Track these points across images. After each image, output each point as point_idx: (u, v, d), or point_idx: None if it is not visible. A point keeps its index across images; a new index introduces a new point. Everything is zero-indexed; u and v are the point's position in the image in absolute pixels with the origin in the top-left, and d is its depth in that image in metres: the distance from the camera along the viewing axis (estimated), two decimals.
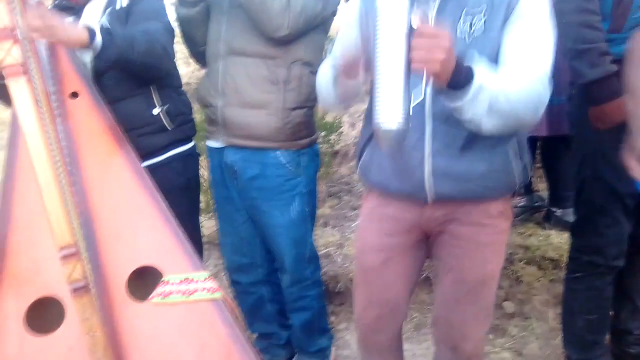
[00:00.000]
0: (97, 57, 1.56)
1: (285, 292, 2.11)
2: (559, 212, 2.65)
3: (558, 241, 2.57)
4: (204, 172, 3.21)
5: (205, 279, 1.44)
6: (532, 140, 2.59)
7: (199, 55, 2.00)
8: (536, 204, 2.83)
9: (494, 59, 1.26)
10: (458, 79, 1.12)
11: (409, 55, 1.06)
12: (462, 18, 1.28)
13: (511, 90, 1.18)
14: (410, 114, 1.10)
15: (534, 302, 2.51)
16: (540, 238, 2.62)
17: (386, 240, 1.51)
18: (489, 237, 1.44)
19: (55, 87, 1.49)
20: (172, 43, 1.83)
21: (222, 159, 1.95)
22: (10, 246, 1.41)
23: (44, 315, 1.43)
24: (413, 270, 1.56)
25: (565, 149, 2.53)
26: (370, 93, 1.21)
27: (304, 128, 1.89)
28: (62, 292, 1.37)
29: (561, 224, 2.63)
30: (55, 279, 1.37)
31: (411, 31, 1.06)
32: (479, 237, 1.43)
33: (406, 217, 1.47)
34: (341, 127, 3.76)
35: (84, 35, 1.49)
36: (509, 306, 2.51)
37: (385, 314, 1.58)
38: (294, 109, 1.84)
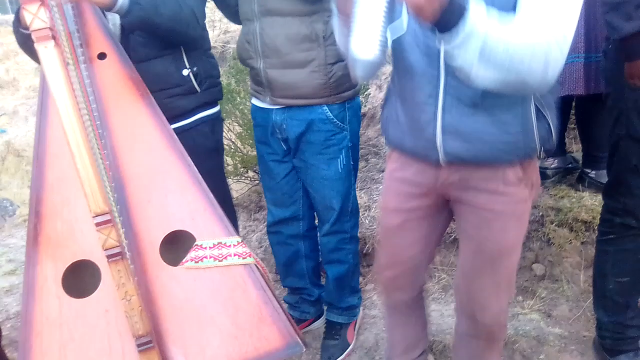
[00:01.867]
0: (122, 18, 1.53)
1: (322, 242, 2.14)
2: (592, 173, 2.58)
3: (591, 203, 2.51)
4: (231, 135, 3.21)
5: (238, 243, 1.45)
6: (567, 100, 2.51)
7: (234, 15, 1.97)
8: (569, 166, 2.76)
9: (508, 11, 1.15)
10: (448, 18, 1.02)
11: None
12: None
13: (514, 41, 1.06)
14: (388, 46, 1.06)
15: (565, 264, 2.48)
16: (573, 200, 2.56)
17: (404, 204, 1.50)
18: (507, 206, 1.37)
19: (82, 48, 1.47)
20: (203, 8, 1.80)
21: (268, 118, 1.96)
22: (46, 209, 1.42)
23: (79, 277, 1.45)
24: (432, 233, 1.55)
25: (600, 108, 2.44)
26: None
27: (346, 80, 1.88)
28: (97, 255, 1.39)
29: (595, 186, 2.56)
30: (90, 243, 1.39)
31: None
32: (495, 206, 1.37)
33: (422, 181, 1.43)
34: (368, 89, 3.70)
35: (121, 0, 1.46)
36: (539, 268, 2.49)
37: (404, 273, 1.60)
38: (335, 62, 1.82)
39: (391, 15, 1.03)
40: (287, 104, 1.88)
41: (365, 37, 1.04)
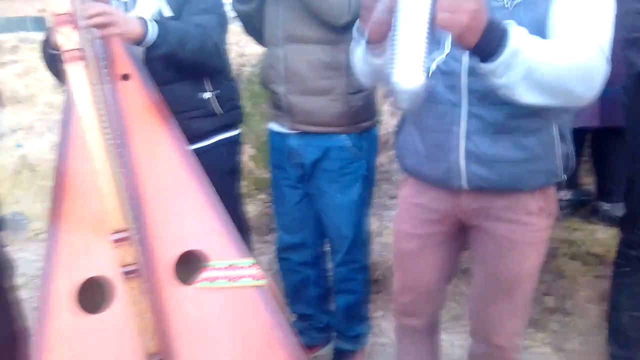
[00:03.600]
0: (149, 50, 1.58)
1: (335, 272, 2.14)
2: (606, 206, 2.58)
3: (604, 237, 2.50)
4: (244, 157, 3.23)
5: (251, 265, 1.46)
6: (581, 132, 2.52)
7: (262, 39, 2.00)
8: (582, 198, 2.76)
9: (539, 30, 1.16)
10: (489, 40, 1.01)
11: (433, 8, 0.98)
12: None
13: (560, 59, 1.07)
14: (430, 74, 1.02)
15: (577, 298, 2.45)
16: (586, 233, 2.55)
17: (420, 230, 1.49)
18: (527, 236, 1.36)
19: (107, 69, 1.51)
20: (225, 38, 1.84)
21: (285, 143, 1.97)
22: (64, 224, 1.44)
23: (93, 293, 1.46)
24: (447, 260, 1.55)
25: (616, 141, 2.45)
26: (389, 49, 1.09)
27: (366, 111, 1.91)
28: (112, 271, 1.40)
29: (608, 219, 2.55)
30: (106, 259, 1.40)
31: None
32: (516, 236, 1.36)
33: (440, 207, 1.43)
34: (382, 115, 3.72)
35: (140, 31, 1.51)
36: (551, 301, 2.46)
37: (418, 299, 1.59)
38: (356, 93, 1.84)
39: (432, 39, 1.00)
40: (306, 130, 1.90)
41: (409, 65, 0.99)
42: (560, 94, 1.10)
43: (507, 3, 1.19)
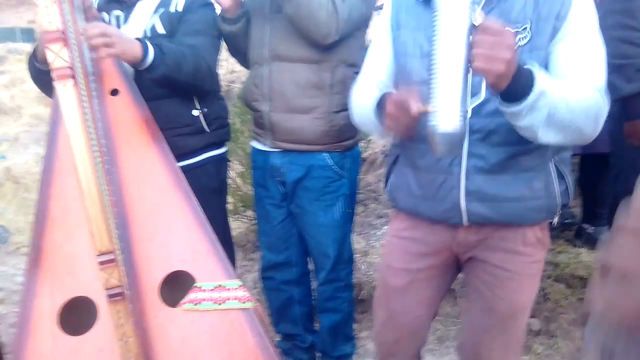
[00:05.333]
0: (145, 73, 1.58)
1: (318, 291, 2.12)
2: (591, 229, 2.60)
3: (588, 259, 2.52)
4: (232, 173, 3.22)
5: (237, 287, 1.44)
6: None
7: (245, 60, 2.01)
8: (567, 221, 2.78)
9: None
10: (518, 83, 1.05)
11: (469, 53, 1.00)
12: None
13: (573, 99, 1.12)
14: (469, 116, 1.05)
15: (561, 320, 2.46)
16: (570, 256, 2.57)
17: (413, 264, 1.45)
18: (523, 266, 1.36)
19: (96, 84, 1.50)
20: (217, 60, 1.85)
21: (267, 161, 1.97)
22: (47, 243, 1.42)
23: (75, 314, 1.44)
24: (438, 294, 1.52)
25: (603, 166, 2.49)
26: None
27: (348, 130, 1.90)
28: (95, 293, 1.38)
29: (592, 242, 2.58)
30: (89, 280, 1.39)
31: (472, 28, 1.01)
32: (512, 266, 1.35)
33: (436, 240, 1.41)
34: (369, 135, 3.75)
35: (138, 52, 1.52)
36: (535, 323, 2.46)
37: (403, 337, 1.53)
38: (339, 111, 1.85)
39: (468, 85, 1.04)
40: (288, 148, 1.89)
41: (447, 110, 1.01)
42: (573, 132, 1.15)
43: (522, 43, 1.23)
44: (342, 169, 1.93)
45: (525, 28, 1.21)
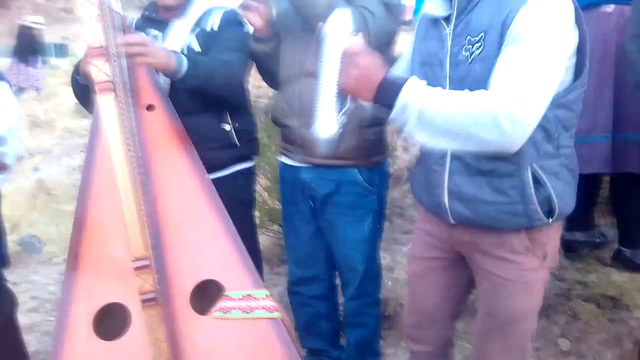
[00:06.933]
0: (177, 82, 1.64)
1: (346, 306, 2.13)
2: (628, 252, 2.55)
3: (619, 279, 2.47)
4: (259, 188, 3.26)
5: (265, 297, 1.47)
6: (593, 176, 2.53)
7: (273, 80, 2.05)
8: (597, 240, 2.74)
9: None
10: (384, 96, 1.20)
11: (339, 75, 1.22)
12: (465, 42, 1.30)
13: (457, 108, 1.16)
14: (338, 126, 1.26)
15: (591, 341, 2.41)
16: (601, 275, 2.52)
17: (426, 253, 1.56)
18: (514, 274, 1.39)
19: (133, 98, 1.56)
20: (247, 75, 1.91)
21: (296, 176, 1.99)
22: (84, 250, 1.47)
23: (108, 319, 1.48)
24: (452, 287, 1.57)
25: (632, 186, 2.45)
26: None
27: (378, 145, 1.94)
28: (129, 299, 1.42)
29: (631, 266, 2.52)
30: (123, 287, 1.42)
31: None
32: (501, 273, 1.40)
33: (439, 235, 1.50)
34: (395, 151, 3.76)
35: (173, 63, 1.58)
36: (565, 344, 2.42)
37: (423, 323, 1.62)
38: (369, 127, 1.86)
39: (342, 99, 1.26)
40: (318, 163, 1.91)
41: (325, 119, 1.26)
42: (466, 139, 1.18)
43: (468, 58, 1.29)
44: (372, 184, 1.94)
45: (481, 38, 1.26)
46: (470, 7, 1.30)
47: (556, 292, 2.51)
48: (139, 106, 1.56)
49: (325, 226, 2.02)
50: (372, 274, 2.06)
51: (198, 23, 1.84)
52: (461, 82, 1.28)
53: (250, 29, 1.90)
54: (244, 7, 1.81)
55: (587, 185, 2.29)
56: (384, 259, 2.86)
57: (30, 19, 8.38)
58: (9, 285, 1.79)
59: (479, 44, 1.27)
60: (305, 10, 1.76)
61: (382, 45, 1.86)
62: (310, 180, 1.96)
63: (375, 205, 1.98)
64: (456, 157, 1.34)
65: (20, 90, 7.48)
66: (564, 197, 1.35)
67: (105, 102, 1.33)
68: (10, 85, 1.81)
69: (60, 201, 4.74)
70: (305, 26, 1.84)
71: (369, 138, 1.88)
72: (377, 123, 1.88)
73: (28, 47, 7.86)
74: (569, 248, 2.62)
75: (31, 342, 2.73)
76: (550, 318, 2.43)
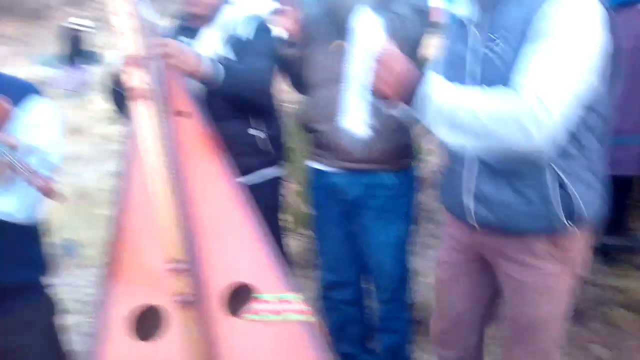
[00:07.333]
0: (215, 89, 1.70)
1: (379, 310, 2.14)
2: None
3: None
4: (288, 192, 3.28)
5: (298, 300, 1.49)
6: (625, 178, 2.48)
7: (297, 83, 2.08)
8: (632, 245, 2.68)
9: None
10: (412, 94, 1.20)
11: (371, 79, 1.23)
12: (488, 39, 1.30)
13: (479, 106, 1.15)
14: (370, 129, 1.27)
15: (626, 347, 2.37)
16: (636, 280, 2.48)
17: (454, 257, 1.57)
18: (534, 279, 1.38)
19: (167, 106, 1.61)
20: (275, 80, 1.95)
21: (327, 181, 2.02)
22: (124, 254, 1.52)
23: (147, 321, 1.52)
24: (479, 291, 1.58)
25: None
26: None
27: (408, 149, 1.95)
28: (167, 300, 1.46)
29: None
30: (161, 288, 1.46)
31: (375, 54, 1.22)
32: (523, 278, 1.39)
33: (462, 238, 1.51)
34: (424, 155, 3.74)
35: (210, 70, 1.64)
36: (601, 351, 2.38)
37: (451, 327, 1.62)
38: (400, 130, 1.88)
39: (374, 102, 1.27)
40: (350, 168, 1.94)
41: (359, 117, 1.27)
42: (487, 138, 1.15)
43: (489, 55, 1.29)
44: (402, 187, 1.96)
45: (503, 36, 1.27)
46: (494, 5, 1.31)
47: (589, 297, 2.47)
48: (172, 112, 1.61)
49: (357, 230, 2.03)
50: (404, 277, 2.08)
51: (229, 31, 1.89)
52: (482, 80, 1.29)
53: (283, 34, 1.94)
54: (278, 12, 1.85)
55: (619, 187, 2.25)
56: (415, 263, 2.86)
57: (77, 21, 8.37)
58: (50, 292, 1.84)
59: (501, 42, 1.27)
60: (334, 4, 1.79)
61: (411, 49, 1.87)
62: (341, 185, 1.98)
63: (406, 208, 2.00)
64: (478, 159, 1.35)
65: (69, 93, 7.53)
66: (587, 200, 1.31)
67: (140, 109, 1.38)
68: (58, 92, 1.87)
69: (98, 205, 4.86)
70: (335, 30, 1.87)
71: (399, 142, 1.90)
72: (407, 126, 1.90)
73: (75, 50, 7.88)
74: (602, 252, 2.58)
75: (77, 343, 2.80)
76: (582, 324, 2.39)
